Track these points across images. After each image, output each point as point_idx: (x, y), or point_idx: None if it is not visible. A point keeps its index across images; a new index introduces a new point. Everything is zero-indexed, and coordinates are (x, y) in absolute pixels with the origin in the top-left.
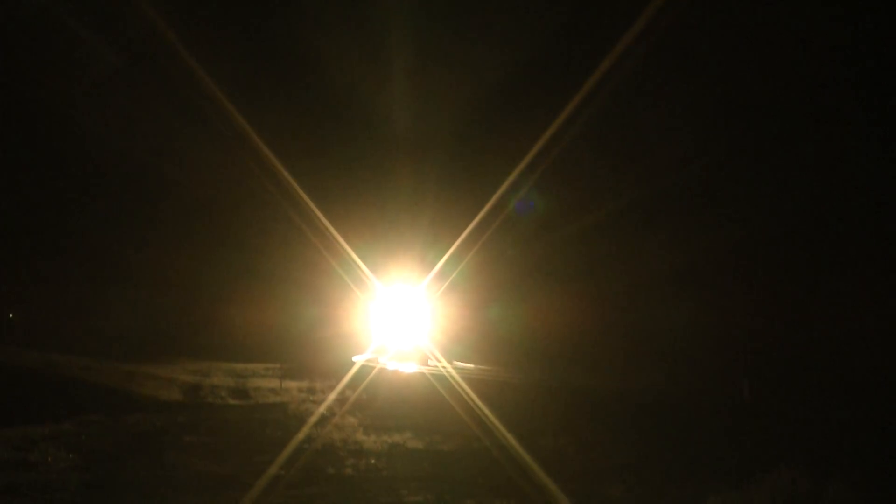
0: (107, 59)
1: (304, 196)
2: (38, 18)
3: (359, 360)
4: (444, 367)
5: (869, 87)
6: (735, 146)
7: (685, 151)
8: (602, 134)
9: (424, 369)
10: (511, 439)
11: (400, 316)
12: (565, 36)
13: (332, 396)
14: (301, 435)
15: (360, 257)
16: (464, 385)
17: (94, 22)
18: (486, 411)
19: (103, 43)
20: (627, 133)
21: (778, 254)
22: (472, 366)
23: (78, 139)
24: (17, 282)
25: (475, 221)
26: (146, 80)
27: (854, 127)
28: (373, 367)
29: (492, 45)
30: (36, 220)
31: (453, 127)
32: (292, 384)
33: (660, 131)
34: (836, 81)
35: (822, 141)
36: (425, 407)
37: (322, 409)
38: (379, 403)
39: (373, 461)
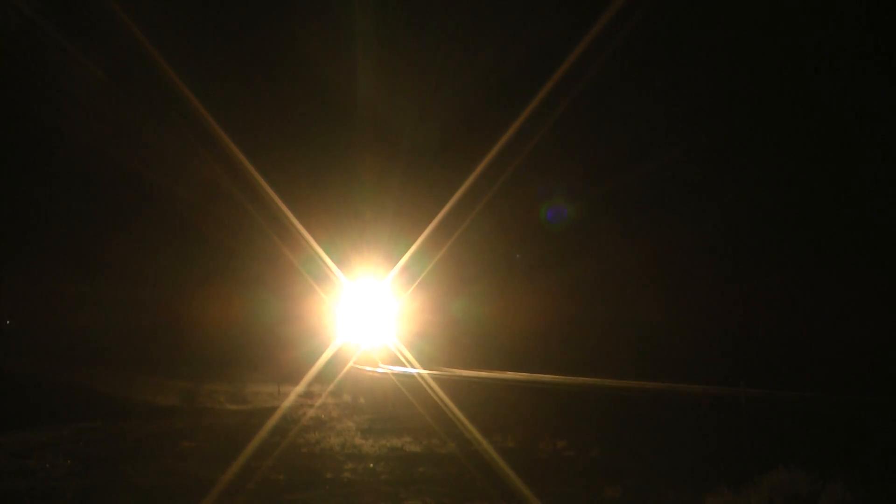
0: (78, 61)
1: (275, 196)
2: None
3: (350, 363)
4: (419, 372)
5: (864, 77)
6: (722, 139)
7: (663, 144)
8: (573, 126)
9: (399, 372)
10: (508, 443)
11: (371, 315)
12: (533, 33)
13: (329, 401)
14: (299, 439)
15: (331, 256)
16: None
17: (64, 24)
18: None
19: (75, 44)
20: (600, 125)
21: (773, 247)
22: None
23: (62, 146)
24: (12, 289)
25: (442, 214)
26: (117, 82)
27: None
28: (364, 371)
29: (459, 43)
30: (30, 228)
31: (420, 123)
32: (289, 388)
33: (638, 123)
34: (833, 69)
35: (812, 135)
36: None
37: (319, 413)
38: (377, 408)
39: (371, 465)
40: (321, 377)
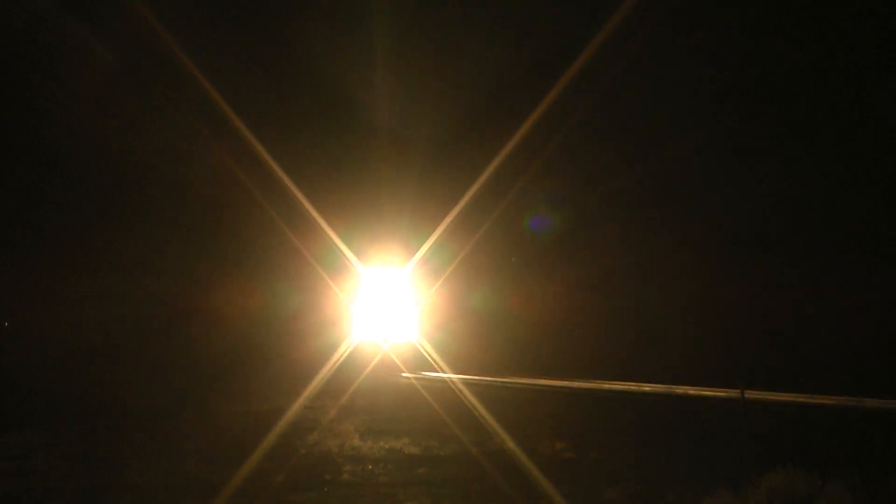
0: (90, 49)
1: (292, 185)
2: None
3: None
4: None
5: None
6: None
7: (671, 142)
8: (584, 124)
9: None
10: (507, 444)
11: (392, 310)
12: (543, 33)
13: (329, 402)
14: (298, 441)
15: (349, 247)
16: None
17: (79, 11)
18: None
19: (87, 32)
20: (610, 122)
21: (773, 246)
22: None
23: (66, 137)
24: (14, 286)
25: (466, 199)
26: (130, 71)
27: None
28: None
29: (476, 39)
30: (30, 224)
31: (436, 116)
32: (292, 389)
33: (645, 121)
34: (836, 68)
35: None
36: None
37: (320, 414)
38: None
39: (370, 467)
40: (333, 379)
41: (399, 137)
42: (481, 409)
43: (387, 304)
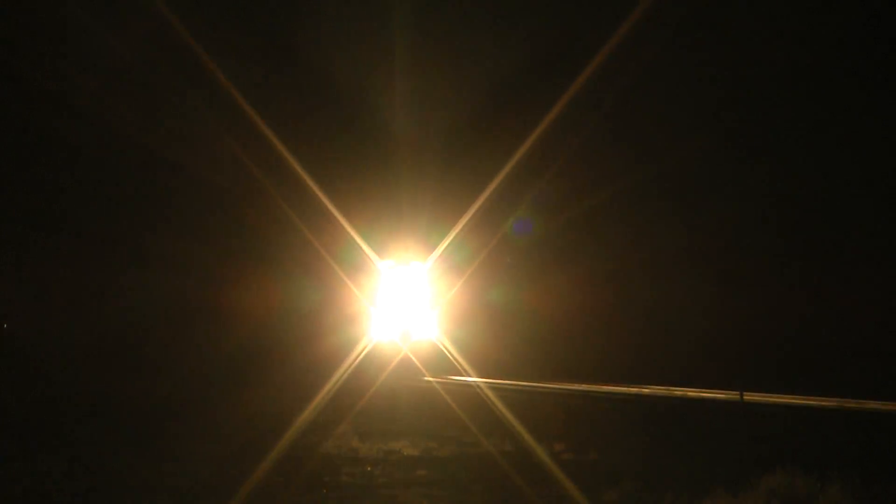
0: (113, 45)
1: (312, 182)
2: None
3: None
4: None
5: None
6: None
7: (679, 140)
8: (597, 122)
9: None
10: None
11: (413, 309)
12: (558, 33)
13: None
14: (298, 443)
15: (369, 244)
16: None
17: (103, 9)
18: None
19: (112, 29)
20: (621, 120)
21: (771, 250)
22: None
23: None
24: (17, 285)
25: (479, 203)
26: (155, 68)
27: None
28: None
29: (493, 37)
30: (28, 225)
31: (455, 111)
32: (299, 393)
33: (655, 119)
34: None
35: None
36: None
37: (325, 417)
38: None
39: (369, 468)
40: (349, 382)
41: (418, 133)
42: (508, 416)
43: (406, 302)
